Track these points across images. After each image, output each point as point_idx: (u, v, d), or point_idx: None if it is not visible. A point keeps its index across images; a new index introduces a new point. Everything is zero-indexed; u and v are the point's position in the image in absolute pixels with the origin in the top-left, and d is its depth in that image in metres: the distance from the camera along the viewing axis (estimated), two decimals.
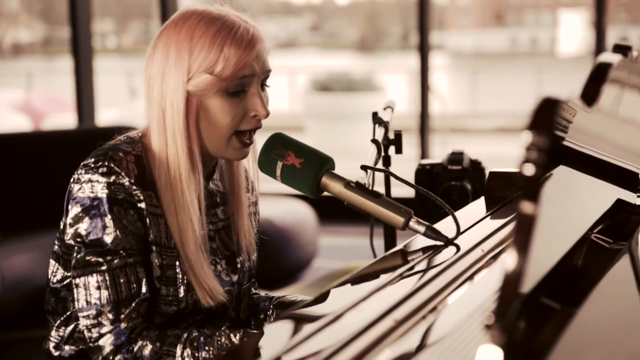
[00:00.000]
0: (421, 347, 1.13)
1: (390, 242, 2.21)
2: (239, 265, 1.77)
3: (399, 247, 1.54)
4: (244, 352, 1.17)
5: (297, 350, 1.08)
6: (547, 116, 0.97)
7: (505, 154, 8.99)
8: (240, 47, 1.60)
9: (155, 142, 1.63)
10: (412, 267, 1.41)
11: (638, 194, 1.88)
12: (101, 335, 1.56)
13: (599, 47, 5.95)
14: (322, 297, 1.28)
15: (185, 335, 1.58)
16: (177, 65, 1.60)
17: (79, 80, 6.08)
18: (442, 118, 10.67)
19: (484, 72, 20.24)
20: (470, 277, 1.39)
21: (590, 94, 1.22)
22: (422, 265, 1.43)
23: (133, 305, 1.57)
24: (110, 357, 1.56)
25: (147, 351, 1.55)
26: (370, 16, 31.34)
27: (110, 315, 1.56)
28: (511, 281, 0.93)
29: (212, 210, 1.74)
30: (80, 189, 1.58)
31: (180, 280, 1.63)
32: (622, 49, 1.42)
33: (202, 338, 1.56)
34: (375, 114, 2.10)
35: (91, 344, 1.58)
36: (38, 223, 3.91)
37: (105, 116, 9.55)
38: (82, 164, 1.61)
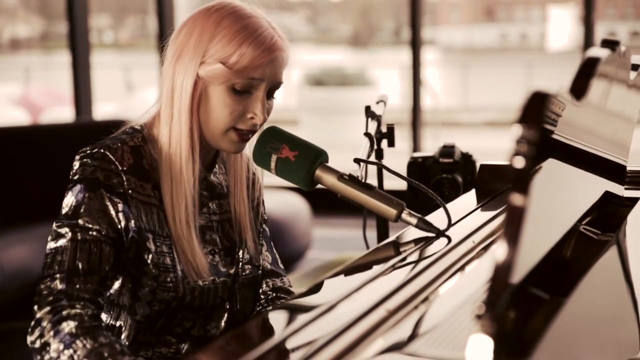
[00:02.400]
0: (413, 336, 1.13)
1: (382, 233, 2.22)
2: (237, 257, 1.76)
3: (391, 238, 1.55)
4: None
5: (292, 340, 1.08)
6: (537, 110, 0.97)
7: (495, 147, 8.98)
8: (258, 48, 1.60)
9: (162, 118, 1.64)
10: (404, 258, 1.41)
11: (625, 186, 1.88)
12: (48, 294, 1.52)
13: (588, 42, 5.95)
14: (316, 288, 1.29)
15: (104, 347, 1.48)
16: (196, 46, 1.61)
17: (77, 74, 6.07)
18: (433, 112, 10.65)
19: (474, 67, 20.22)
20: (461, 268, 1.39)
21: (579, 88, 1.22)
22: (414, 257, 1.43)
23: (87, 278, 1.54)
24: (43, 317, 1.51)
25: (67, 329, 1.49)
26: (363, 12, 31.29)
27: (61, 282, 1.52)
28: (501, 272, 0.93)
29: (215, 201, 1.74)
30: (74, 173, 1.60)
31: (174, 268, 1.63)
32: (610, 44, 1.42)
33: (105, 354, 1.47)
34: (368, 108, 2.10)
35: (37, 298, 1.54)
36: (36, 215, 3.91)
37: (102, 110, 9.52)
38: (79, 151, 1.63)
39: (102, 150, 1.60)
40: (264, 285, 1.86)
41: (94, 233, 1.56)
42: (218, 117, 1.62)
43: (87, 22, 6.08)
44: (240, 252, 1.77)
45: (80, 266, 1.54)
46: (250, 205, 1.80)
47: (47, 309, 1.51)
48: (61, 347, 1.48)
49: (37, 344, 1.50)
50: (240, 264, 1.77)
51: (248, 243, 1.77)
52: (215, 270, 1.70)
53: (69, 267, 1.54)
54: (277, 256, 1.91)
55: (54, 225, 1.59)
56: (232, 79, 1.60)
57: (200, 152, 1.66)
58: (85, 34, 6.06)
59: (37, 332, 1.51)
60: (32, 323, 1.53)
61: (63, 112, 10.71)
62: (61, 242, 1.56)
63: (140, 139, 1.66)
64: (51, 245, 1.57)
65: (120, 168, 1.59)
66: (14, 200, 4.11)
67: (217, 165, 1.77)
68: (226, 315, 1.76)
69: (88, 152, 1.61)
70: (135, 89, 15.28)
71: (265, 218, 1.90)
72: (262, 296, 1.86)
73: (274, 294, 1.85)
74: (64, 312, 1.50)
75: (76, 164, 1.61)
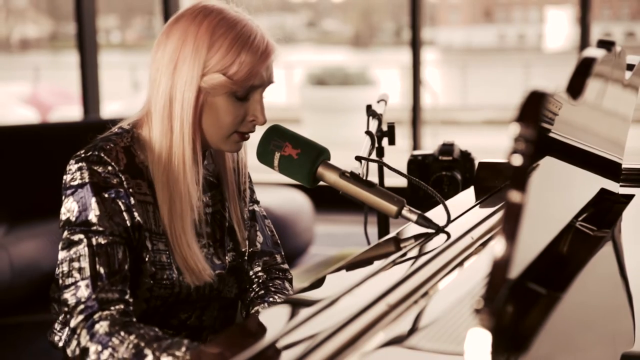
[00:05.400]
0: (413, 330, 1.13)
1: (383, 229, 2.21)
2: (230, 247, 1.75)
3: (392, 234, 1.54)
4: None
5: (294, 334, 1.08)
6: (534, 109, 0.97)
7: (494, 145, 8.98)
8: (255, 55, 1.59)
9: (156, 127, 1.61)
10: (404, 254, 1.41)
11: (621, 184, 1.88)
12: (77, 303, 1.52)
13: (584, 43, 5.94)
14: (318, 283, 1.28)
15: (140, 338, 1.48)
16: (194, 58, 1.57)
17: (85, 74, 6.06)
18: (433, 111, 10.66)
19: (473, 67, 20.21)
20: (460, 264, 1.39)
21: (575, 88, 1.21)
22: (414, 252, 1.43)
23: (110, 280, 1.53)
24: (77, 326, 1.51)
25: (101, 330, 1.49)
26: (364, 13, 31.27)
27: (87, 289, 1.51)
28: (500, 267, 0.93)
29: (207, 193, 1.72)
30: (71, 178, 1.57)
31: (170, 265, 1.62)
32: (606, 44, 1.42)
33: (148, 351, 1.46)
34: (369, 107, 2.10)
35: (66, 309, 1.54)
36: (45, 211, 3.91)
37: (109, 108, 9.52)
38: (73, 155, 1.59)
39: (97, 153, 1.57)
40: (255, 267, 1.83)
41: (108, 235, 1.54)
42: (221, 125, 1.61)
43: (95, 23, 6.08)
44: (230, 241, 1.75)
45: (102, 270, 1.53)
46: (237, 193, 1.78)
47: (80, 317, 1.51)
48: (99, 348, 1.48)
49: (77, 352, 1.50)
50: (237, 252, 1.76)
51: (236, 231, 1.76)
52: (210, 263, 1.69)
53: (91, 273, 1.52)
54: (273, 233, 1.87)
55: (65, 233, 1.56)
56: (233, 88, 1.59)
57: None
58: (93, 35, 6.06)
59: (74, 342, 1.51)
60: (69, 333, 1.52)
61: (71, 111, 10.71)
62: (76, 249, 1.54)
63: (129, 140, 1.63)
64: (64, 253, 1.55)
65: (117, 168, 1.57)
66: (23, 196, 4.11)
67: (205, 158, 1.75)
68: (219, 304, 1.75)
69: (83, 155, 1.58)
70: (141, 88, 15.28)
71: (258, 200, 1.87)
72: (255, 278, 1.83)
73: (266, 275, 1.83)
74: (96, 316, 1.50)
75: (72, 168, 1.58)
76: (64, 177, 1.59)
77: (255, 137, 1.68)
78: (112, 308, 1.52)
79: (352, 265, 1.37)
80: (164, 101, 1.60)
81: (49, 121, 9.77)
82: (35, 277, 3.62)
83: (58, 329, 1.73)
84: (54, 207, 1.59)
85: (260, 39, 1.61)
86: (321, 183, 1.62)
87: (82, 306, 1.51)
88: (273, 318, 1.20)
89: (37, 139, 4.32)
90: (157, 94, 1.61)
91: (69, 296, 1.53)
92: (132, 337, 1.47)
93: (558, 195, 1.31)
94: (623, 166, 1.89)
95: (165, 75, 1.60)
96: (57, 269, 1.64)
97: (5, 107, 11.32)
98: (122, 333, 1.48)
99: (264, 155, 1.62)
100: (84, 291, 1.51)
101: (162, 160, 1.60)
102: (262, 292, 1.79)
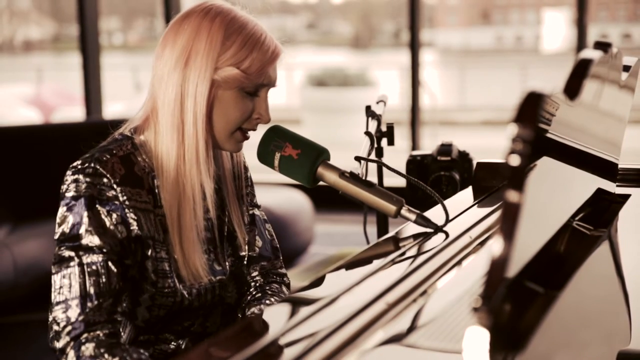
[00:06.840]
0: (412, 328, 1.13)
1: (382, 229, 2.21)
2: (229, 252, 1.74)
3: (391, 234, 1.55)
4: None
5: (294, 332, 1.08)
6: (532, 110, 0.97)
7: (492, 145, 8.99)
8: (266, 54, 1.60)
9: (164, 124, 1.59)
10: (403, 253, 1.41)
11: (617, 184, 1.88)
12: (66, 324, 1.51)
13: (581, 44, 5.94)
14: (318, 282, 1.28)
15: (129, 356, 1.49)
16: (208, 51, 1.57)
17: (87, 75, 6.06)
18: (432, 111, 10.66)
19: (471, 68, 20.19)
20: (459, 263, 1.39)
21: (572, 89, 1.21)
22: (412, 251, 1.43)
23: (100, 300, 1.51)
24: (65, 347, 1.50)
25: (87, 352, 1.49)
26: (363, 14, 31.26)
27: (77, 309, 1.50)
28: (497, 266, 0.93)
29: (204, 200, 1.71)
30: (67, 189, 1.56)
31: (171, 273, 1.60)
32: (603, 46, 1.42)
33: None
34: (368, 108, 2.10)
35: (56, 327, 1.52)
36: (48, 210, 3.90)
37: (111, 109, 9.52)
38: (70, 165, 1.58)
39: (92, 165, 1.55)
40: (253, 271, 1.81)
41: (98, 252, 1.52)
42: (229, 119, 1.60)
43: (97, 25, 6.08)
44: (230, 247, 1.74)
45: (92, 291, 1.51)
46: (237, 197, 1.78)
47: (67, 338, 1.50)
48: None
49: None
50: (237, 257, 1.76)
51: (237, 235, 1.75)
52: (211, 270, 1.67)
53: (81, 293, 1.51)
54: (272, 237, 1.85)
55: (56, 248, 1.55)
56: (244, 83, 1.59)
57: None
58: (96, 36, 6.06)
59: None
60: (57, 354, 1.52)
61: (74, 112, 10.72)
62: (67, 266, 1.52)
63: (130, 146, 1.61)
64: (56, 269, 1.54)
65: (112, 180, 1.55)
66: (26, 196, 4.11)
67: None
68: (222, 310, 1.74)
69: (79, 167, 1.56)
70: (143, 88, 15.27)
71: (258, 204, 1.86)
72: (252, 282, 1.81)
73: (263, 280, 1.81)
74: (82, 337, 1.49)
75: (68, 179, 1.56)
76: (62, 187, 1.57)
77: (256, 138, 1.68)
78: (100, 329, 1.50)
79: (351, 264, 1.37)
80: (174, 95, 1.58)
81: (51, 122, 9.77)
82: (38, 276, 3.62)
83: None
84: (57, 207, 1.59)
85: (269, 39, 1.62)
86: (321, 183, 1.62)
87: (69, 327, 1.50)
88: (273, 316, 1.20)
89: (40, 139, 4.32)
90: (167, 90, 1.59)
91: (59, 314, 1.52)
92: (116, 359, 1.47)
93: (555, 195, 1.31)
94: (619, 166, 1.89)
95: (176, 70, 1.58)
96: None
97: (9, 107, 11.33)
98: (107, 355, 1.47)
99: (265, 155, 1.62)
100: (73, 312, 1.50)
101: (172, 156, 1.59)
102: (259, 294, 1.78)
